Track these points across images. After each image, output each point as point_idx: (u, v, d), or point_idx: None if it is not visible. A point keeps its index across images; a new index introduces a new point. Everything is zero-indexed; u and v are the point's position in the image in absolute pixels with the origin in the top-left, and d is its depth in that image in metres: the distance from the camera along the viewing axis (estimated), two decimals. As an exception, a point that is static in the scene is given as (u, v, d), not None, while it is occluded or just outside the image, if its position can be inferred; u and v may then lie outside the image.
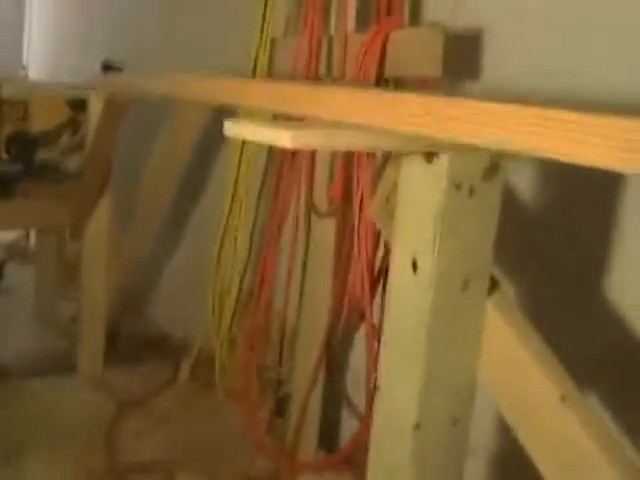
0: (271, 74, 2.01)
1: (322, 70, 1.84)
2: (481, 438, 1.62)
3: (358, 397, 1.94)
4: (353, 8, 1.81)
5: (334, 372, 2.02)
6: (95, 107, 2.51)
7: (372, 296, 1.66)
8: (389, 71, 1.63)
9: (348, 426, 2.07)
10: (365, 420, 1.75)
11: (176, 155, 2.79)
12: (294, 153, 1.92)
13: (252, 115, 1.86)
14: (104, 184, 2.60)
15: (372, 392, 1.39)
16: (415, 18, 1.82)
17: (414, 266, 1.07)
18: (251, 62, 2.01)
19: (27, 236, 4.08)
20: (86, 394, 2.59)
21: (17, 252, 3.97)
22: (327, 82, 1.82)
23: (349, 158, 1.72)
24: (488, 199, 1.07)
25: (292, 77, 1.90)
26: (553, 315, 1.48)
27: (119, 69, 2.77)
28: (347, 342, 2.04)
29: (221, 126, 1.04)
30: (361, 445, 1.72)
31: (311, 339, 1.97)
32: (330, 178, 1.89)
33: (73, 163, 2.69)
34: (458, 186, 1.04)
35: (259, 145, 2.01)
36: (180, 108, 2.67)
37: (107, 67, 2.80)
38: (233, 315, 2.14)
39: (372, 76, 1.60)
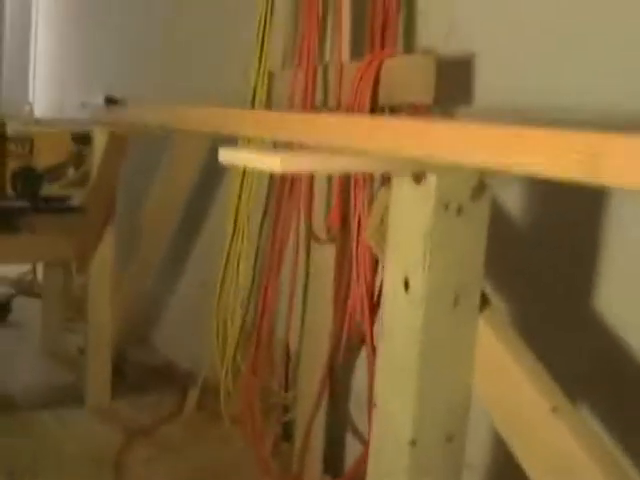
0: (270, 105, 2.05)
1: (319, 99, 1.88)
2: (477, 452, 1.63)
3: (362, 421, 1.96)
4: (347, 38, 1.85)
5: (338, 396, 2.04)
6: (99, 141, 2.56)
7: (372, 319, 1.68)
8: (383, 98, 1.66)
9: (353, 450, 2.08)
10: (369, 443, 1.77)
11: (177, 186, 2.83)
12: (293, 181, 1.95)
13: (251, 144, 1.90)
14: (108, 217, 2.64)
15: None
16: (409, 45, 1.86)
17: (406, 285, 1.10)
18: (250, 94, 2.05)
19: (34, 270, 4.11)
20: (94, 425, 2.61)
21: (25, 286, 4.00)
22: (323, 111, 1.85)
23: (346, 184, 1.75)
24: (476, 217, 1.10)
25: (290, 107, 1.94)
26: (542, 330, 1.50)
27: (122, 103, 2.82)
28: (350, 366, 2.06)
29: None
30: (365, 469, 1.74)
31: (313, 364, 1.99)
32: (328, 205, 1.92)
33: (78, 197, 2.73)
34: (446, 205, 1.07)
35: (260, 173, 2.04)
36: (180, 140, 2.71)
37: (110, 101, 2.84)
38: (237, 342, 2.16)
39: (366, 103, 1.64)
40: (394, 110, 1.71)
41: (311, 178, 1.93)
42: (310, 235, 1.98)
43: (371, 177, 1.71)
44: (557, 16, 1.54)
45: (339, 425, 2.11)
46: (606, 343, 1.43)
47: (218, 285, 2.17)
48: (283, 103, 1.99)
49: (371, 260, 1.66)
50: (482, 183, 1.09)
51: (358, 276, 1.67)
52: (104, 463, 2.32)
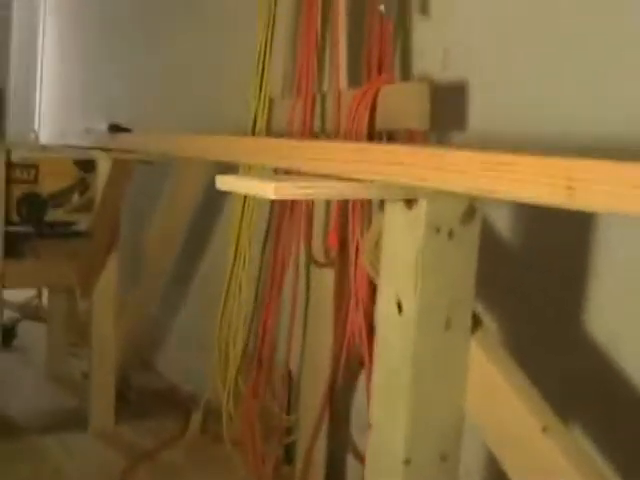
0: (270, 133, 2.09)
1: (317, 126, 1.91)
2: (471, 471, 1.65)
3: (363, 442, 1.97)
4: (344, 66, 1.89)
5: (339, 418, 2.06)
6: (103, 168, 2.60)
7: (370, 342, 1.71)
8: (380, 124, 1.70)
9: (354, 472, 2.10)
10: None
11: (179, 211, 2.87)
12: (293, 205, 1.99)
13: (252, 170, 1.94)
14: (112, 243, 2.67)
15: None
16: (405, 73, 1.90)
17: (399, 307, 1.13)
18: (250, 122, 2.09)
19: (39, 296, 4.14)
20: (97, 449, 2.63)
21: (30, 311, 4.03)
22: (322, 137, 1.89)
23: (345, 208, 1.78)
24: (467, 241, 1.12)
25: (289, 135, 1.97)
26: (533, 350, 1.53)
27: (126, 130, 2.86)
28: (351, 388, 2.08)
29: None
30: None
31: (314, 386, 2.02)
32: (327, 228, 1.95)
33: (83, 223, 2.76)
34: (437, 230, 1.10)
35: (261, 199, 2.08)
36: (182, 166, 2.75)
37: (114, 128, 2.89)
38: (238, 366, 2.18)
39: (363, 130, 1.67)
40: (391, 136, 1.75)
41: (311, 202, 1.96)
42: (310, 259, 2.01)
43: (369, 202, 1.74)
44: (547, 47, 1.57)
45: (340, 447, 2.12)
46: (596, 364, 1.45)
47: (220, 309, 2.20)
48: (283, 130, 2.02)
49: (369, 283, 1.69)
50: (472, 207, 1.12)
51: (356, 299, 1.70)
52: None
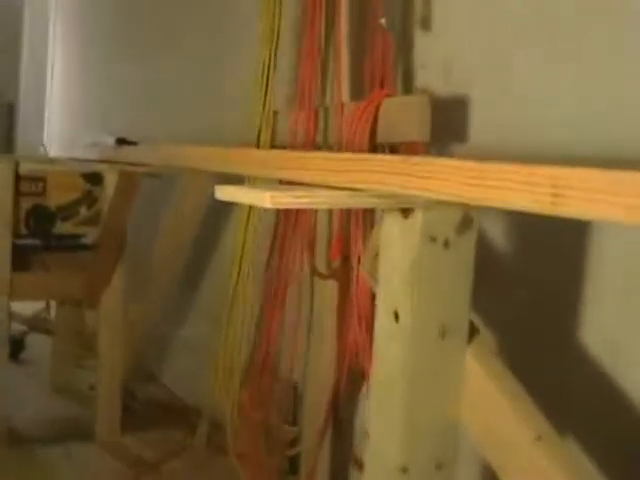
0: (274, 146, 2.10)
1: (320, 139, 1.93)
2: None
3: (365, 454, 1.98)
4: (346, 79, 1.90)
5: (342, 430, 2.06)
6: (110, 180, 2.62)
7: (372, 354, 1.71)
8: (381, 137, 1.71)
9: (358, 483, 2.11)
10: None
11: (185, 223, 2.88)
12: (296, 218, 2.00)
13: (257, 182, 1.95)
14: (119, 255, 2.69)
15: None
16: (407, 86, 1.91)
17: (396, 316, 1.14)
18: (254, 135, 2.10)
19: (47, 308, 4.16)
20: (103, 460, 2.64)
21: (38, 324, 4.05)
22: (324, 150, 1.90)
23: (347, 220, 1.80)
24: (463, 251, 1.14)
25: (292, 147, 1.99)
26: (528, 360, 1.53)
27: (132, 144, 2.88)
28: (354, 399, 2.09)
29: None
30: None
31: (317, 398, 2.03)
32: (330, 241, 1.96)
33: (90, 236, 2.78)
34: (433, 239, 1.11)
35: (264, 211, 2.09)
36: (187, 179, 2.77)
37: (120, 142, 2.91)
38: (242, 378, 2.19)
39: (365, 142, 1.69)
40: (393, 149, 1.76)
41: (314, 215, 1.98)
42: (313, 271, 2.02)
43: (371, 214, 1.75)
44: (547, 61, 1.59)
45: (344, 458, 2.13)
46: (593, 371, 1.46)
47: (224, 321, 2.21)
48: (286, 143, 2.04)
49: (370, 295, 1.70)
50: (468, 217, 1.13)
51: (358, 310, 1.71)
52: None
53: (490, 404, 1.12)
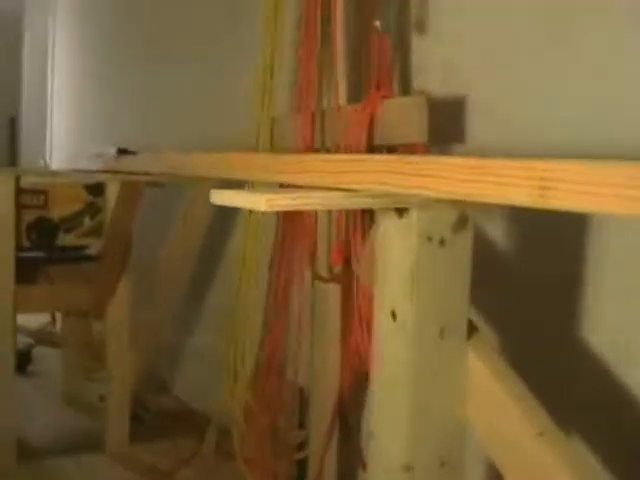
0: (273, 150, 2.11)
1: (318, 142, 1.93)
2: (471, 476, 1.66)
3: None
4: (344, 82, 1.91)
5: (349, 433, 2.06)
6: (112, 191, 2.63)
7: (374, 355, 1.71)
8: (379, 139, 1.71)
9: (365, 487, 2.10)
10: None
11: (192, 233, 2.89)
12: (297, 222, 2.00)
13: (256, 186, 1.95)
14: (124, 264, 2.70)
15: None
16: (405, 89, 1.92)
17: (393, 315, 1.14)
18: (253, 140, 2.11)
19: (54, 321, 4.18)
20: (113, 470, 2.65)
21: (44, 337, 4.06)
22: (322, 152, 1.91)
23: (348, 223, 1.80)
24: (459, 249, 1.14)
25: (291, 152, 1.99)
26: (532, 357, 1.54)
27: (133, 153, 2.89)
28: (360, 403, 2.09)
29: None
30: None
31: (323, 402, 2.03)
32: (331, 245, 1.97)
33: (94, 247, 2.79)
34: (429, 238, 1.11)
35: (265, 217, 2.10)
36: (192, 188, 2.78)
37: (122, 152, 2.93)
38: (249, 383, 2.20)
39: (363, 144, 1.69)
40: (392, 151, 1.76)
41: (314, 219, 1.98)
42: (314, 275, 2.03)
43: (371, 217, 1.75)
44: (545, 61, 1.59)
45: (351, 461, 2.13)
46: (596, 369, 1.46)
47: (229, 327, 2.22)
48: (285, 149, 2.05)
49: (372, 297, 1.70)
50: (464, 216, 1.13)
51: (360, 313, 1.71)
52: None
53: (492, 401, 1.12)
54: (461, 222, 1.13)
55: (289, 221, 2.05)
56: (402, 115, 1.70)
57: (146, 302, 3.02)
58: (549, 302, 1.59)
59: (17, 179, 2.60)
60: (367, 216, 1.72)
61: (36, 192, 2.66)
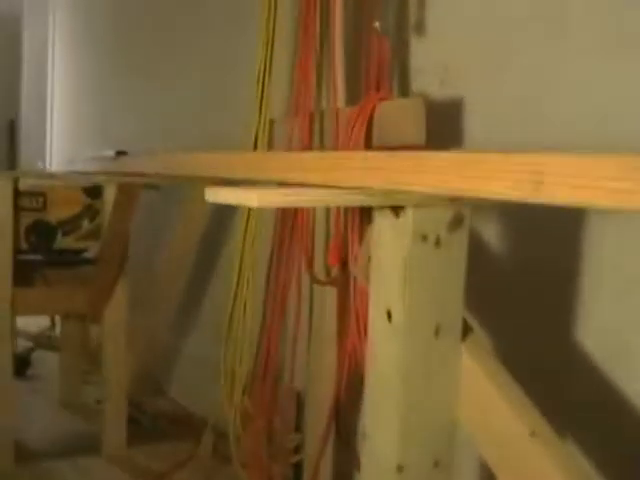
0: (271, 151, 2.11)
1: (316, 144, 1.93)
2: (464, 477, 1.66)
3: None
4: (342, 84, 1.91)
5: (345, 436, 2.05)
6: (110, 194, 2.62)
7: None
8: (377, 140, 1.71)
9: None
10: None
11: (189, 236, 2.89)
12: (294, 224, 2.00)
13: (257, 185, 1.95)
14: (121, 268, 2.69)
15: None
16: (404, 91, 1.91)
17: (388, 315, 1.14)
18: (251, 142, 2.11)
19: (53, 325, 4.18)
20: (110, 473, 2.65)
21: (43, 341, 4.06)
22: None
23: (345, 224, 1.79)
24: (455, 249, 1.13)
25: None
26: (527, 359, 1.53)
27: (131, 156, 2.90)
28: (356, 406, 2.08)
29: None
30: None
31: (319, 405, 2.02)
32: (328, 247, 1.96)
33: (93, 250, 2.79)
34: (424, 237, 1.10)
35: (262, 218, 2.10)
36: (189, 191, 2.77)
37: (120, 154, 2.93)
38: (245, 386, 2.19)
39: (360, 146, 1.68)
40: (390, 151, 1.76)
41: (312, 221, 1.98)
42: (311, 277, 2.02)
43: (368, 218, 1.75)
44: (543, 63, 1.59)
45: (347, 464, 2.12)
46: (590, 372, 1.45)
47: (225, 329, 2.21)
48: (283, 150, 2.04)
49: (368, 298, 1.69)
50: (460, 215, 1.13)
51: (356, 315, 1.70)
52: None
53: (485, 400, 1.12)
54: (456, 222, 1.13)
55: (286, 222, 2.05)
56: (399, 117, 1.69)
57: (143, 305, 3.02)
58: (543, 303, 1.58)
59: (15, 181, 2.60)
60: (365, 217, 1.72)
61: (34, 195, 2.66)
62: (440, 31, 1.85)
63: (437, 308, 1.13)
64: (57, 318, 4.04)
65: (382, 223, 1.14)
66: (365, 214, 1.68)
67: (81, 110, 5.15)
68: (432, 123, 1.69)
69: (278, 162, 1.32)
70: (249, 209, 2.10)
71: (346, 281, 1.88)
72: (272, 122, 2.12)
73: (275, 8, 2.08)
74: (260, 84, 2.09)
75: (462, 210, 1.12)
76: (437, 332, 1.13)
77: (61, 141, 5.53)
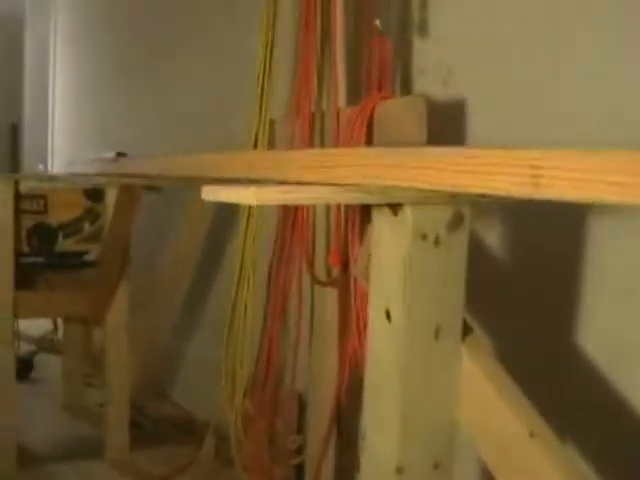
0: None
1: (317, 144, 1.92)
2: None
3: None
4: (343, 84, 1.89)
5: (347, 438, 2.04)
6: (112, 196, 2.62)
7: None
8: (378, 139, 1.69)
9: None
10: None
11: (191, 238, 2.89)
12: (294, 224, 1.99)
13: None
14: (123, 270, 2.68)
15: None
16: (406, 91, 1.90)
17: (388, 315, 1.12)
18: (251, 143, 2.09)
19: (56, 328, 4.17)
20: (113, 476, 2.65)
21: (46, 344, 4.06)
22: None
23: (345, 224, 1.78)
24: (454, 248, 1.12)
25: (289, 153, 1.98)
26: (528, 362, 1.52)
27: (131, 158, 2.89)
28: (358, 407, 2.07)
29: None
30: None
31: (321, 406, 2.01)
32: (329, 247, 1.95)
33: (94, 253, 2.78)
34: (424, 236, 1.09)
35: (263, 218, 2.09)
36: (191, 193, 2.77)
37: (120, 155, 2.92)
38: (246, 388, 2.18)
39: (362, 145, 1.67)
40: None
41: (313, 221, 1.96)
42: (312, 278, 2.01)
43: (369, 217, 1.73)
44: (546, 63, 1.58)
45: (349, 465, 2.11)
46: (590, 373, 1.44)
47: (226, 331, 2.20)
48: (284, 149, 2.03)
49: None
50: (459, 214, 1.11)
51: (357, 316, 1.69)
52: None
53: (485, 402, 1.10)
54: (456, 221, 1.11)
55: (286, 223, 2.04)
56: (400, 116, 1.68)
57: (145, 308, 3.01)
58: (544, 305, 1.57)
59: (16, 184, 2.59)
60: (365, 217, 1.70)
61: (35, 197, 2.66)
62: (443, 31, 1.84)
63: (437, 308, 1.12)
64: (59, 321, 4.03)
65: (381, 222, 1.13)
66: (365, 214, 1.67)
67: (82, 112, 5.14)
68: (434, 124, 1.68)
69: (277, 160, 1.31)
70: (250, 208, 2.09)
71: (347, 282, 1.87)
72: (272, 123, 2.11)
73: (275, 7, 2.07)
74: (260, 84, 2.08)
75: (462, 209, 1.11)
76: (437, 332, 1.12)
77: (64, 144, 5.53)
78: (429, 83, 1.87)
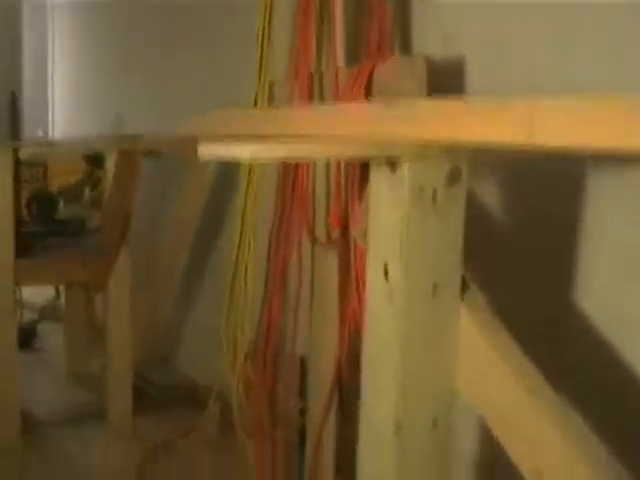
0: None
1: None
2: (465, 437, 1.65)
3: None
4: (342, 44, 1.88)
5: (348, 402, 2.04)
6: (111, 162, 2.60)
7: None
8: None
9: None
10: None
11: (190, 205, 2.88)
12: (294, 185, 1.98)
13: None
14: (123, 237, 2.67)
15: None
16: (406, 53, 1.89)
17: (386, 272, 1.12)
18: (251, 105, 2.08)
19: (58, 296, 4.17)
20: (115, 441, 2.67)
21: (49, 313, 4.06)
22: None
23: (346, 185, 1.77)
24: (452, 204, 1.11)
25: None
26: (527, 324, 1.51)
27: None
28: (359, 370, 2.07)
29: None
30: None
31: (322, 370, 2.00)
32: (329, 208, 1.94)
33: (95, 219, 2.78)
34: (421, 190, 1.08)
35: (265, 176, 2.07)
36: (189, 161, 2.75)
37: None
38: (247, 354, 2.18)
39: (360, 105, 1.66)
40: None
41: (312, 182, 1.95)
42: (312, 240, 2.00)
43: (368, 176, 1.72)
44: (548, 28, 1.56)
45: (351, 428, 2.11)
46: (589, 335, 1.43)
47: (227, 296, 2.19)
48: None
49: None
50: (457, 170, 1.11)
51: (357, 278, 1.68)
52: (126, 476, 2.37)
53: (483, 359, 1.10)
54: (454, 176, 1.10)
55: (287, 185, 2.02)
56: (399, 76, 1.66)
57: (147, 275, 3.01)
58: (544, 272, 1.56)
59: (16, 152, 2.58)
60: (365, 177, 1.69)
61: (35, 164, 2.65)
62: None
63: (435, 265, 1.11)
64: (62, 289, 4.04)
65: (379, 178, 1.12)
66: (365, 173, 1.66)
67: (83, 84, 5.11)
68: (433, 85, 1.66)
69: (275, 117, 1.30)
70: (250, 170, 2.08)
71: (347, 245, 1.86)
72: (272, 85, 2.09)
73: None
74: (259, 47, 2.06)
75: (459, 164, 1.10)
76: (435, 289, 1.11)
77: (65, 112, 5.50)
78: (430, 45, 1.85)
